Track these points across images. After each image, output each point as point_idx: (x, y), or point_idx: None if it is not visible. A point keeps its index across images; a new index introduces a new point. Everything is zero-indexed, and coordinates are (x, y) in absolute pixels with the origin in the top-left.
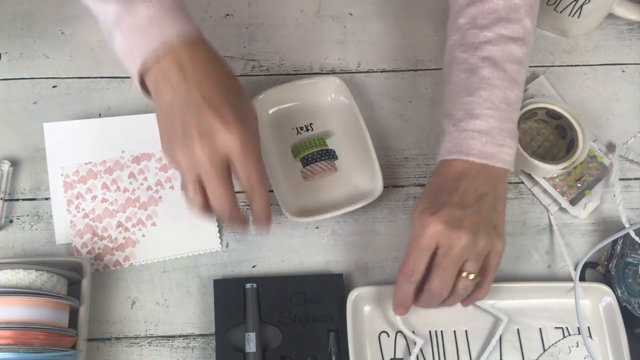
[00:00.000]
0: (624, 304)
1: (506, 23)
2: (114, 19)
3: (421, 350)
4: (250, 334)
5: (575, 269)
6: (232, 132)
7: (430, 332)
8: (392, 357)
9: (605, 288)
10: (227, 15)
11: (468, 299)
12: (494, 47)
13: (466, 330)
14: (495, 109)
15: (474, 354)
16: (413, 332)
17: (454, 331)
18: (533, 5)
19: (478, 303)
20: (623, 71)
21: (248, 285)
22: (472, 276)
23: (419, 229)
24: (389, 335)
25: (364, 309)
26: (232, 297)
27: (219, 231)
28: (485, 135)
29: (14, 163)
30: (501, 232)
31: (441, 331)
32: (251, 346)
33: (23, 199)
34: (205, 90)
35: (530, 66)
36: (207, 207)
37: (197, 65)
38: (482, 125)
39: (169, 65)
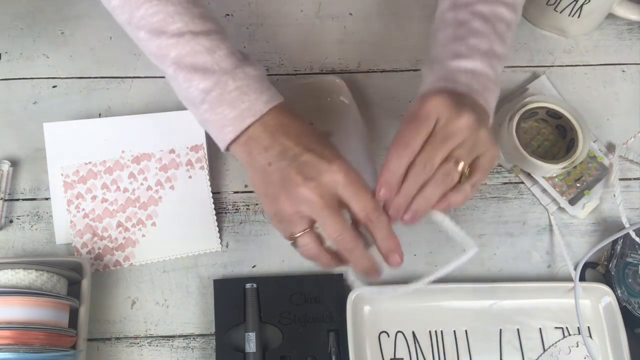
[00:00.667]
0: (624, 304)
1: None
2: (202, 93)
3: (421, 350)
4: (250, 333)
5: (575, 269)
6: (335, 166)
7: (430, 332)
8: (392, 357)
9: (605, 288)
10: (227, 15)
11: (443, 199)
12: (485, 6)
13: (466, 330)
14: (484, 55)
15: (473, 354)
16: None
17: (454, 331)
18: None
19: (479, 304)
20: (623, 71)
21: (248, 285)
22: (460, 166)
23: (420, 101)
24: (389, 335)
25: (364, 309)
26: (232, 297)
27: (219, 231)
28: (473, 75)
29: (14, 163)
30: (496, 144)
31: (441, 331)
32: (251, 346)
33: (23, 199)
34: (297, 140)
35: (530, 66)
36: (326, 254)
37: (282, 124)
38: (470, 65)
39: (257, 131)
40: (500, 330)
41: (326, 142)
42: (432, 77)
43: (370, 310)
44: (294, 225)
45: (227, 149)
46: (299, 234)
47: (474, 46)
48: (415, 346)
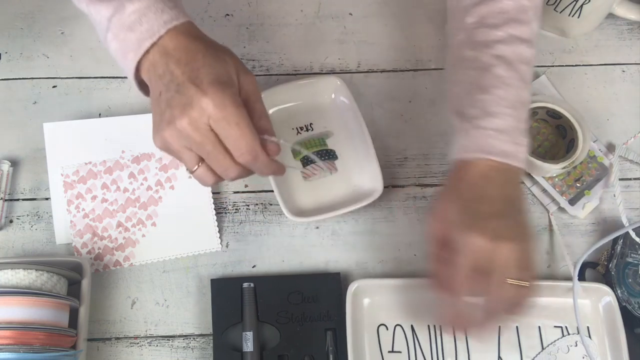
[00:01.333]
0: (624, 303)
1: (516, 24)
2: (106, 21)
3: (420, 344)
4: (247, 333)
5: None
6: (208, 98)
7: (429, 326)
8: (390, 349)
9: (605, 288)
10: (227, 15)
11: (519, 305)
12: (506, 47)
13: None
14: (512, 107)
15: (472, 350)
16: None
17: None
18: (539, 8)
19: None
20: (623, 71)
21: (245, 285)
22: (522, 282)
23: (463, 249)
24: (387, 329)
25: (363, 302)
26: (230, 297)
27: (219, 231)
28: (504, 134)
29: (14, 163)
30: (532, 231)
31: (440, 326)
32: (248, 345)
33: (23, 199)
34: (185, 68)
35: None
36: (220, 178)
37: (178, 47)
38: (501, 124)
39: (156, 56)
40: (499, 327)
41: (219, 68)
42: (464, 141)
43: (370, 302)
44: (185, 160)
45: (138, 80)
46: (194, 169)
47: (503, 98)
48: (414, 340)
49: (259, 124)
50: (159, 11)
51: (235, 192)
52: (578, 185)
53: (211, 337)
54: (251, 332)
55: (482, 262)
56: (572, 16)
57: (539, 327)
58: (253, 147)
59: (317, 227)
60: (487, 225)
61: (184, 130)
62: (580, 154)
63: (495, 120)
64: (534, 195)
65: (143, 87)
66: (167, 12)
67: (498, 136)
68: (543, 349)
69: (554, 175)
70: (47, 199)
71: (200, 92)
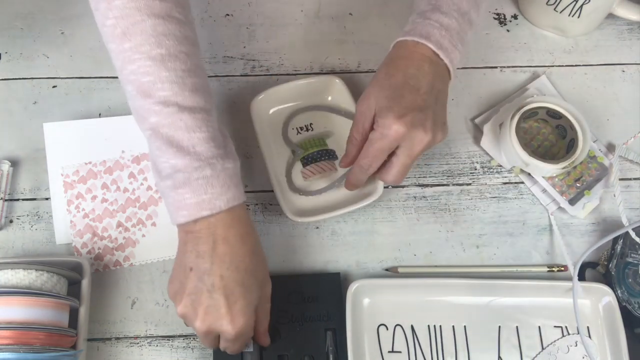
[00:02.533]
0: (624, 303)
1: None
2: (171, 166)
3: (419, 344)
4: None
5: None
6: (234, 324)
7: (429, 326)
8: (390, 349)
9: (605, 288)
10: (227, 15)
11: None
12: None
13: (465, 326)
14: (459, 13)
15: (472, 350)
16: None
17: (453, 326)
18: None
19: (478, 300)
20: (623, 71)
21: None
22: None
23: (383, 130)
24: (387, 329)
25: (363, 302)
26: None
27: None
28: (446, 31)
29: (14, 163)
30: (446, 125)
31: (440, 326)
32: (249, 345)
33: (23, 199)
34: (223, 270)
35: (530, 66)
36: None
37: (227, 239)
38: (446, 21)
39: (203, 231)
40: (499, 327)
41: (252, 289)
42: (408, 27)
43: (370, 302)
44: (202, 339)
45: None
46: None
47: (454, 3)
48: (414, 340)
49: (259, 326)
50: (225, 186)
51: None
52: (578, 185)
53: None
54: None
55: (394, 145)
56: (572, 16)
57: (539, 327)
58: (241, 347)
59: (317, 227)
60: (408, 114)
61: (198, 329)
62: (580, 154)
63: (441, 15)
64: (534, 195)
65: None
66: (232, 189)
67: (440, 29)
68: (543, 349)
69: (554, 175)
70: (47, 199)
71: (229, 318)
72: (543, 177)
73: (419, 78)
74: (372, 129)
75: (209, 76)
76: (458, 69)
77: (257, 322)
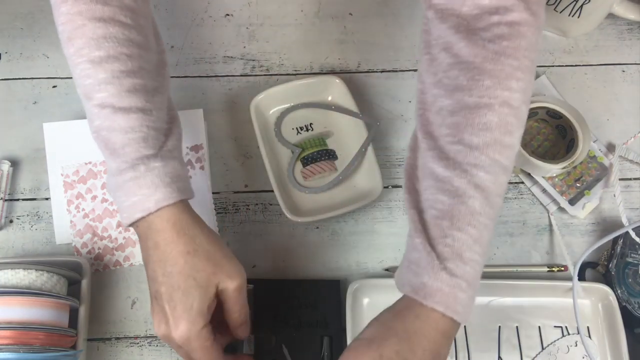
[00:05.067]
0: (624, 304)
1: (500, 147)
2: (110, 169)
3: None
4: (249, 335)
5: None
6: (178, 329)
7: None
8: None
9: (605, 288)
10: (227, 15)
11: None
12: (486, 175)
13: (465, 326)
14: (481, 255)
15: (472, 350)
16: None
17: None
18: (524, 126)
19: (478, 300)
20: (623, 71)
21: None
22: None
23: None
24: None
25: (363, 302)
26: None
27: (219, 231)
28: (471, 288)
29: (14, 163)
30: None
31: None
32: (248, 348)
33: (23, 199)
34: (161, 277)
35: None
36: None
37: (157, 246)
38: (470, 274)
39: (143, 235)
40: (499, 327)
41: (194, 292)
42: (434, 284)
43: (370, 302)
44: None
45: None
46: None
47: (477, 241)
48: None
49: (234, 331)
50: (154, 186)
51: (235, 192)
52: (578, 185)
53: None
54: (252, 335)
55: None
56: (572, 16)
57: (539, 327)
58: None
59: (317, 227)
60: None
61: (161, 338)
62: (580, 154)
63: (466, 268)
64: (534, 195)
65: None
66: (161, 189)
67: (467, 290)
68: (543, 349)
69: (554, 175)
70: (47, 199)
71: (173, 322)
72: (543, 177)
73: (435, 348)
74: None
75: (209, 76)
76: None
77: (227, 316)
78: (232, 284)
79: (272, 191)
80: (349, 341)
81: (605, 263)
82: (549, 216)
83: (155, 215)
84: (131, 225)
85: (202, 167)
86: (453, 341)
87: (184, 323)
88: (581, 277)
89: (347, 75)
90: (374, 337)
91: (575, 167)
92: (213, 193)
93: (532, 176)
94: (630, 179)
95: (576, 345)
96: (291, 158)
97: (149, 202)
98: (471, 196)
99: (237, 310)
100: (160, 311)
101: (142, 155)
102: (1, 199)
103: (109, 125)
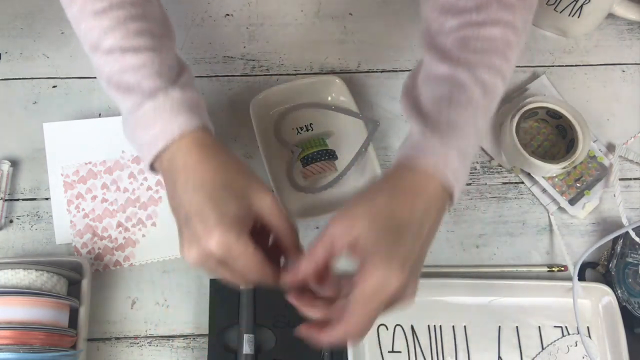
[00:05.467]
0: (624, 303)
1: (501, 57)
2: (125, 113)
3: (419, 344)
4: (250, 335)
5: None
6: (213, 237)
7: (429, 326)
8: (390, 350)
9: (605, 288)
10: (227, 15)
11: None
12: (488, 75)
13: (465, 326)
14: (475, 136)
15: (472, 350)
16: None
17: (453, 326)
18: (521, 48)
19: (478, 300)
20: (623, 71)
21: (243, 286)
22: None
23: (382, 283)
24: (387, 329)
25: None
26: (228, 298)
27: None
28: (462, 160)
29: (14, 163)
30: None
31: (440, 326)
32: (251, 347)
33: (23, 199)
34: (190, 197)
35: (530, 66)
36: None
37: (188, 165)
38: (462, 147)
39: (166, 168)
40: (499, 327)
41: (226, 200)
42: (421, 141)
43: None
44: (208, 272)
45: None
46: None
47: (474, 123)
48: (414, 340)
49: (279, 242)
50: (174, 112)
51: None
52: (578, 185)
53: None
54: (253, 335)
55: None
56: (572, 16)
57: (539, 327)
58: (259, 274)
59: (317, 227)
60: (407, 263)
61: (195, 262)
62: (580, 154)
63: (461, 140)
64: (534, 195)
65: (155, 171)
66: (182, 114)
67: (459, 159)
68: (543, 349)
69: (554, 175)
70: (47, 199)
71: (206, 233)
72: (543, 177)
73: (425, 221)
74: (335, 256)
75: (209, 76)
76: None
77: (277, 235)
78: (269, 197)
79: (272, 191)
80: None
81: (605, 263)
82: (549, 216)
83: (179, 143)
84: (154, 163)
85: None
86: (443, 215)
87: (219, 229)
88: (581, 277)
89: (347, 75)
90: (364, 195)
91: (575, 167)
92: None
93: (532, 176)
94: (630, 179)
95: (576, 345)
96: (291, 158)
97: (172, 128)
98: (472, 89)
99: (284, 223)
100: (190, 235)
101: (158, 86)
102: (1, 199)
103: (119, 67)
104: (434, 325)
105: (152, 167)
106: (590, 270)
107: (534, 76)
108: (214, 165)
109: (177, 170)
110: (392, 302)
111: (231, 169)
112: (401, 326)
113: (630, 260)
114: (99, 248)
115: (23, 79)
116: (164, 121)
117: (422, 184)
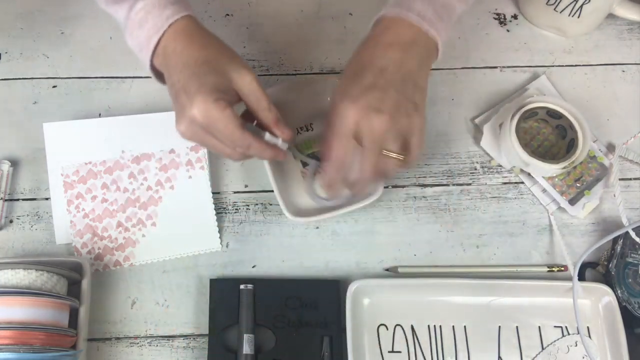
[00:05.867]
0: (624, 303)
1: None
2: (123, 20)
3: (420, 344)
4: (249, 335)
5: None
6: (194, 104)
7: (429, 326)
8: (390, 350)
9: (605, 288)
10: (227, 15)
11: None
12: None
13: (465, 326)
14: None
15: (472, 350)
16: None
17: (453, 326)
18: None
19: (478, 300)
20: (623, 71)
21: (242, 286)
22: (394, 155)
23: (338, 118)
24: (387, 329)
25: (363, 302)
26: (228, 298)
27: (219, 231)
28: (439, 15)
29: (14, 163)
30: (421, 110)
31: (440, 326)
32: (247, 348)
33: (23, 199)
34: (180, 73)
35: (530, 66)
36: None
37: (176, 50)
38: (440, 3)
39: (160, 57)
40: (499, 327)
41: (208, 74)
42: (390, 2)
43: (370, 302)
44: (202, 144)
45: (155, 72)
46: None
47: None
48: (414, 340)
49: (260, 118)
50: (162, 7)
51: (235, 192)
52: (578, 185)
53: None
54: (252, 335)
55: (356, 132)
56: (572, 16)
57: (539, 327)
58: (242, 141)
59: (317, 227)
60: (363, 96)
61: (185, 133)
62: (580, 154)
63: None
64: (534, 195)
65: (160, 77)
66: (169, 7)
67: (432, 10)
68: (543, 349)
69: (554, 175)
70: (47, 199)
71: (189, 102)
72: (543, 177)
73: (387, 57)
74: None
75: None
76: (458, 68)
77: (256, 112)
78: (249, 75)
79: (272, 191)
80: (349, 341)
81: (605, 263)
82: (549, 216)
83: (168, 33)
84: (152, 60)
85: (202, 167)
86: (427, 59)
87: (199, 96)
88: (581, 277)
89: None
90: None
91: (575, 167)
92: (213, 193)
93: (532, 176)
94: (630, 179)
95: (576, 345)
96: (309, 170)
97: (162, 21)
98: None
99: (263, 98)
100: (179, 109)
101: None
102: (1, 199)
103: None
104: (434, 325)
105: (154, 69)
106: (590, 270)
107: (534, 76)
108: (198, 47)
109: (169, 57)
110: (365, 134)
111: (213, 48)
112: (401, 326)
113: (630, 260)
114: (99, 248)
115: (23, 79)
116: (153, 16)
117: (385, 26)
